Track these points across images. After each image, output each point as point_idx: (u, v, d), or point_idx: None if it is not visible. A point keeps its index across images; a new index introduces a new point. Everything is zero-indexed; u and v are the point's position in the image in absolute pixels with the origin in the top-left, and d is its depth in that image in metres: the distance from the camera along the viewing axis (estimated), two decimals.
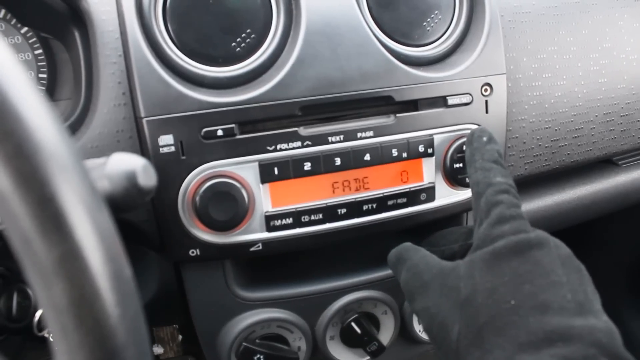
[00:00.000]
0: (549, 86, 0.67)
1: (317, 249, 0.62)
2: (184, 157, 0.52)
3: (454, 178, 0.61)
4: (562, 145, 0.70)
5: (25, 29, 0.60)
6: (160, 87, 0.51)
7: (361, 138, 0.57)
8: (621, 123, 0.73)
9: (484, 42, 0.61)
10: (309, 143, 0.55)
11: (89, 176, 0.28)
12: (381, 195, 0.59)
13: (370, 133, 0.57)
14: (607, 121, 0.72)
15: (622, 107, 0.73)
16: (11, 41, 0.59)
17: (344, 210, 0.58)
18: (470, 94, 0.60)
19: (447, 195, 0.62)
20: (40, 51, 0.60)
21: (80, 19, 0.55)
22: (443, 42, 0.62)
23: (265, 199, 0.55)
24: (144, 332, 0.29)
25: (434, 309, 0.46)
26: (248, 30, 0.55)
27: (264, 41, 0.55)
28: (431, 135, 0.59)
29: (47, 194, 0.25)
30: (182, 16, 0.53)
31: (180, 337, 1.19)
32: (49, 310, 0.26)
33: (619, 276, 1.14)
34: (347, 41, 0.55)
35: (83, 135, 0.52)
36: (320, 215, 0.57)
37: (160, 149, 0.52)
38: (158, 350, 1.14)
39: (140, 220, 0.55)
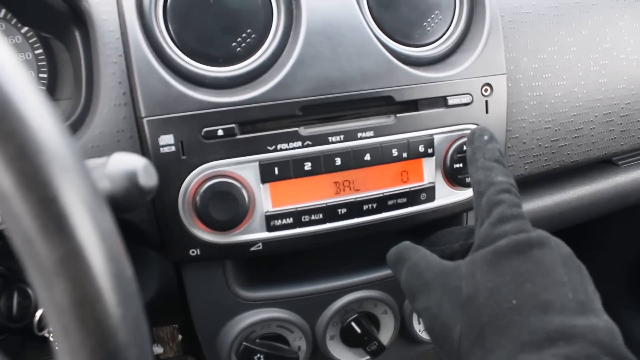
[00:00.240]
0: (549, 86, 0.67)
1: (317, 248, 0.62)
2: (184, 157, 0.52)
3: (454, 178, 0.61)
4: (562, 146, 0.70)
5: (26, 28, 0.60)
6: (160, 87, 0.51)
7: (361, 138, 0.57)
8: (621, 123, 0.73)
9: (484, 42, 0.61)
10: (310, 143, 0.55)
11: (90, 176, 0.28)
12: (381, 195, 0.59)
13: (371, 133, 0.57)
14: (607, 121, 0.72)
15: (622, 108, 0.73)
16: (12, 41, 0.59)
17: (344, 210, 0.58)
18: (471, 94, 0.60)
19: (447, 195, 0.62)
20: (40, 51, 0.60)
21: (80, 19, 0.55)
22: (443, 42, 0.62)
23: (266, 199, 0.55)
24: (145, 332, 0.29)
25: (436, 309, 0.46)
26: (248, 30, 0.55)
27: (265, 41, 0.55)
28: (431, 135, 0.59)
29: (49, 195, 0.25)
30: (183, 16, 0.53)
31: (180, 336, 1.19)
32: (51, 311, 0.26)
33: (618, 276, 1.14)
34: (347, 41, 0.55)
35: (83, 135, 0.52)
36: (321, 215, 0.57)
37: (161, 149, 0.52)
38: (158, 350, 1.14)
39: (141, 220, 0.55)
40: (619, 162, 0.81)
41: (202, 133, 0.52)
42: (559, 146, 0.70)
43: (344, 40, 0.55)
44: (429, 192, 0.61)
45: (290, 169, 0.55)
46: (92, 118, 0.53)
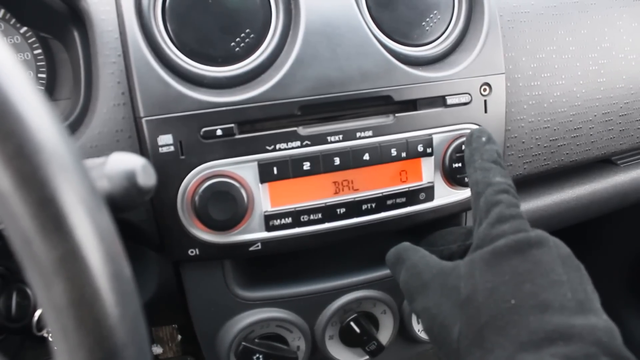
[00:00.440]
0: (548, 86, 0.68)
1: (317, 248, 0.62)
2: (183, 157, 0.52)
3: (453, 178, 0.61)
4: (561, 145, 0.70)
5: (25, 28, 0.60)
6: (159, 87, 0.51)
7: (360, 138, 0.57)
8: (620, 123, 0.73)
9: (482, 41, 0.61)
10: (308, 143, 0.55)
11: (89, 176, 0.28)
12: (380, 194, 0.59)
13: (370, 133, 0.57)
14: (606, 121, 0.72)
15: (621, 107, 0.73)
16: (10, 41, 0.59)
17: (343, 210, 0.58)
18: (469, 94, 0.60)
19: (446, 195, 0.62)
20: (39, 51, 0.60)
21: (79, 19, 0.55)
22: (442, 42, 0.62)
23: (265, 199, 0.55)
24: (144, 332, 0.29)
25: (435, 309, 0.46)
26: (247, 30, 0.55)
27: (263, 41, 0.55)
28: (430, 134, 0.59)
29: (47, 195, 0.25)
30: (182, 16, 0.53)
31: (179, 337, 1.19)
32: (49, 310, 0.26)
33: (617, 275, 1.14)
34: (346, 41, 0.55)
35: (82, 135, 0.52)
36: (320, 215, 0.57)
37: (160, 149, 0.52)
38: (157, 350, 1.14)
39: (140, 219, 0.55)
40: (618, 162, 0.81)
41: (201, 133, 0.52)
42: (558, 146, 0.70)
43: (343, 40, 0.55)
44: (428, 192, 0.61)
45: (289, 169, 0.55)
46: (90, 118, 0.53)
